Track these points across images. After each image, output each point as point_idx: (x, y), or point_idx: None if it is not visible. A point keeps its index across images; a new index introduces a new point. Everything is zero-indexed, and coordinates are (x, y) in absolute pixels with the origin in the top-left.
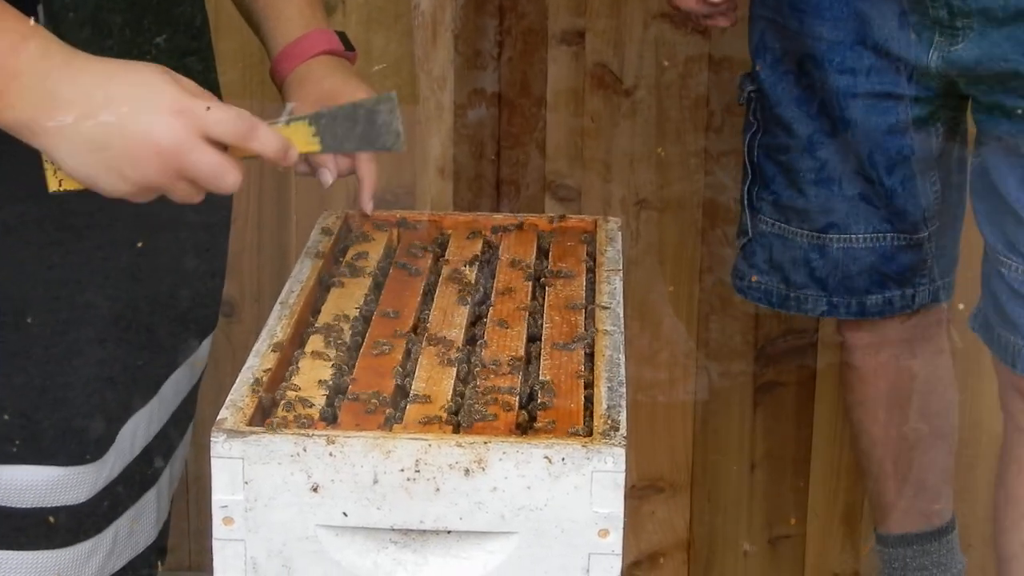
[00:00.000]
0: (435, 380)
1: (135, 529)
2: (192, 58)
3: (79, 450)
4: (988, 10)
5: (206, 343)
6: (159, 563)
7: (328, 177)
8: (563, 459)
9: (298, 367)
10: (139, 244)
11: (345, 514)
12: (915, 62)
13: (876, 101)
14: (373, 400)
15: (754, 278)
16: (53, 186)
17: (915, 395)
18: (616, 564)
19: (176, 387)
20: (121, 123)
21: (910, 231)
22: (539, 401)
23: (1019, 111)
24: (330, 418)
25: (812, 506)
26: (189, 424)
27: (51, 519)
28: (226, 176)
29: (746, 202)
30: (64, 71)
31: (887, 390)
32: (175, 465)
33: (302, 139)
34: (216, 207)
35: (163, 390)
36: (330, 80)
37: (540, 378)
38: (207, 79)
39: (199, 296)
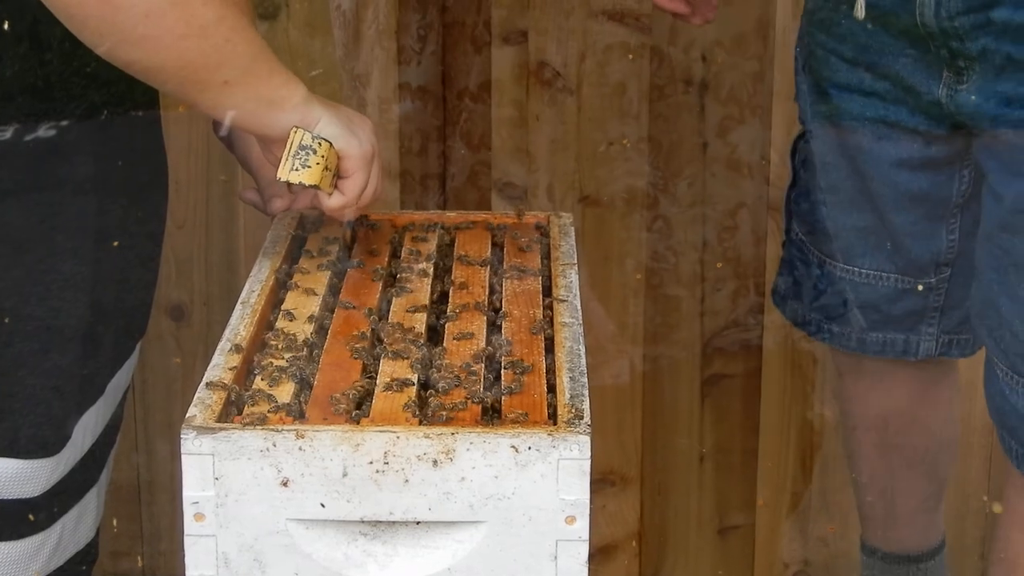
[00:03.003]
0: (399, 374)
1: (79, 525)
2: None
3: (40, 443)
4: (988, 53)
5: (137, 347)
6: (94, 562)
7: (279, 205)
8: (529, 448)
9: (263, 364)
10: (79, 253)
11: (323, 505)
12: (927, 96)
13: (888, 130)
14: (339, 398)
15: (780, 289)
16: (283, 175)
17: (912, 440)
18: (583, 550)
19: (116, 388)
20: (351, 111)
21: (914, 275)
22: (505, 387)
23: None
24: (297, 413)
25: (761, 496)
26: (120, 426)
27: (5, 511)
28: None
29: (785, 207)
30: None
31: (882, 431)
32: (109, 466)
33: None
34: (151, 216)
35: (107, 391)
36: None
37: (503, 367)
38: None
39: (137, 301)
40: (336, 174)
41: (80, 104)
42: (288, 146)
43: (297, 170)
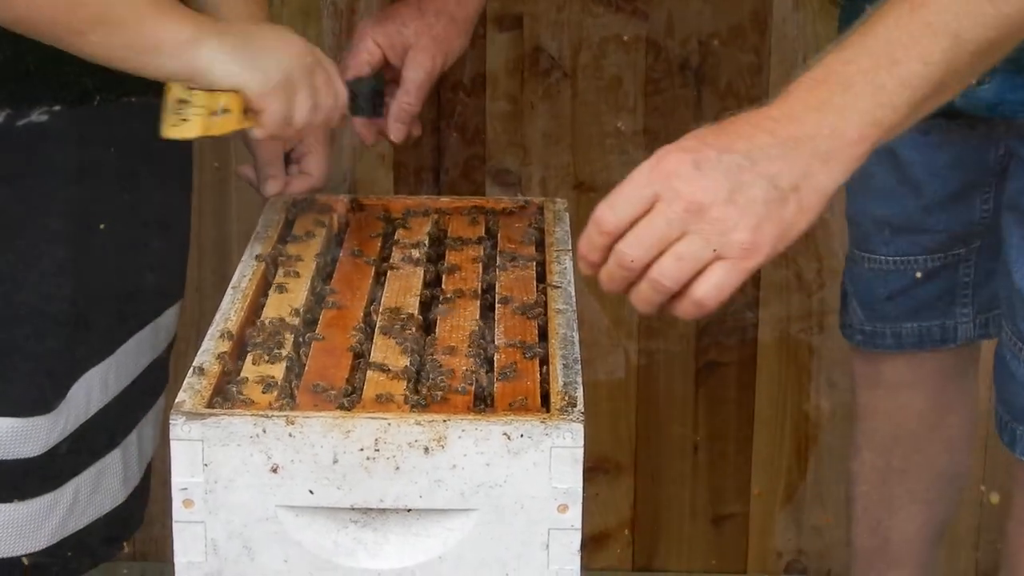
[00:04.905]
0: (391, 360)
1: (98, 489)
2: None
3: (32, 400)
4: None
5: (171, 312)
6: (133, 529)
7: (273, 187)
8: (522, 435)
9: (253, 350)
10: (71, 235)
11: (312, 492)
12: None
13: None
14: (330, 384)
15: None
16: (165, 133)
17: (919, 467)
18: (576, 538)
19: (138, 349)
20: (267, 32)
21: (944, 249)
22: (498, 375)
23: None
24: (288, 399)
25: (755, 485)
26: (157, 392)
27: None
28: (340, 87)
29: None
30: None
31: (889, 454)
32: (145, 431)
33: None
34: (173, 169)
35: (121, 351)
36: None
37: (496, 355)
38: None
39: (160, 267)
40: (246, 109)
41: (73, 89)
42: (164, 104)
43: (176, 126)
